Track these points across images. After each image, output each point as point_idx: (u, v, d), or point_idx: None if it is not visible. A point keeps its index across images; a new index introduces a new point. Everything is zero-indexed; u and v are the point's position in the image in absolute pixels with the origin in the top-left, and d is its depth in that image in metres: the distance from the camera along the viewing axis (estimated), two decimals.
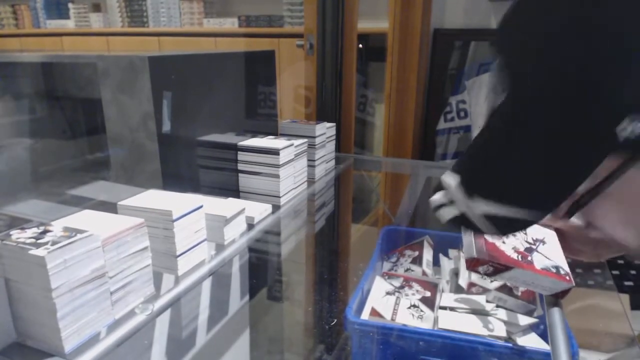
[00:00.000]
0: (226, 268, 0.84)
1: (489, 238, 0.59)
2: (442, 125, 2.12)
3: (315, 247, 1.26)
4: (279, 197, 1.09)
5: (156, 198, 0.77)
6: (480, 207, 0.38)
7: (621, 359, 0.75)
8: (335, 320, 0.90)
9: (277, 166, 1.07)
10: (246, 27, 2.98)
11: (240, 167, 1.10)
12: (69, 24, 3.56)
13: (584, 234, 0.48)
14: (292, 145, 1.11)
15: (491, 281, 0.94)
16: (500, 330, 0.83)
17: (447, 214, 0.42)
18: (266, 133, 1.21)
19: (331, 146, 1.42)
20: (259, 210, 0.99)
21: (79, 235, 0.57)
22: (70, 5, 3.54)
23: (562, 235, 0.54)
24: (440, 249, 1.12)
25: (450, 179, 0.40)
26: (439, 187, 0.41)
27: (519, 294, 0.91)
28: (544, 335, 0.82)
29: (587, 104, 0.32)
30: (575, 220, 0.48)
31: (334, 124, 1.41)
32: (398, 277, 1.01)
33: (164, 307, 0.69)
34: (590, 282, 1.02)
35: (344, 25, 1.67)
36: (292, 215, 1.11)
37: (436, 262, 1.10)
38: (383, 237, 1.15)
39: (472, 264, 0.59)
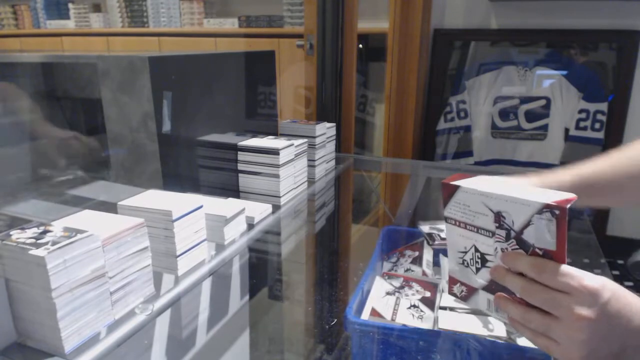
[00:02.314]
0: (226, 268, 0.84)
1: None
2: (442, 125, 2.12)
3: (315, 247, 1.26)
4: (279, 197, 1.09)
5: (156, 198, 0.77)
6: None
7: None
8: (335, 320, 0.90)
9: (277, 166, 1.07)
10: (246, 27, 2.98)
11: (240, 167, 1.10)
12: (69, 24, 3.56)
13: None
14: (292, 145, 1.11)
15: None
16: (500, 330, 0.83)
17: None
18: (266, 133, 1.21)
19: (331, 146, 1.42)
20: (259, 210, 0.99)
21: (79, 236, 0.57)
22: (70, 5, 3.54)
23: None
24: (441, 249, 1.12)
25: None
26: None
27: None
28: None
29: None
30: None
31: (334, 124, 1.41)
32: (398, 277, 1.01)
33: (164, 307, 0.69)
34: None
35: (344, 25, 1.67)
36: (292, 215, 1.11)
37: (436, 262, 1.10)
38: (383, 237, 1.14)
39: (450, 283, 0.60)
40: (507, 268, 0.51)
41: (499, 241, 0.51)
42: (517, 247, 0.49)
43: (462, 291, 0.59)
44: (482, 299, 0.56)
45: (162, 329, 0.69)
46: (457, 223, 0.55)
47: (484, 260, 0.54)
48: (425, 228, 1.12)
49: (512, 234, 0.49)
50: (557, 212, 0.46)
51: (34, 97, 1.12)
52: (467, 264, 0.56)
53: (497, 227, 0.51)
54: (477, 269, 0.55)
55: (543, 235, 0.47)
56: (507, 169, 2.05)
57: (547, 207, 0.46)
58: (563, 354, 0.48)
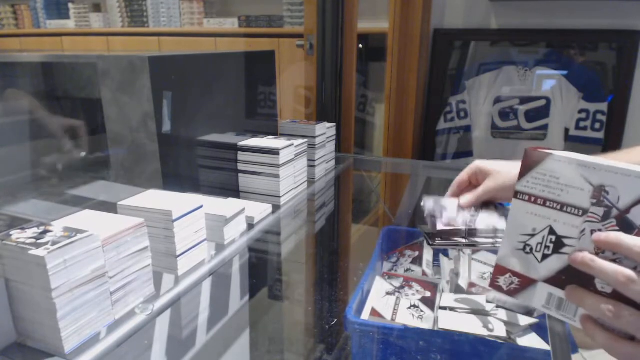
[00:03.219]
0: (226, 268, 0.84)
1: None
2: (442, 125, 2.12)
3: (315, 247, 1.26)
4: (279, 197, 1.09)
5: (156, 198, 0.77)
6: None
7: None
8: (335, 320, 0.90)
9: (277, 166, 1.07)
10: (246, 27, 2.98)
11: (240, 167, 1.10)
12: (69, 24, 3.56)
13: None
14: (292, 145, 1.11)
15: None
16: (500, 330, 0.83)
17: None
18: (266, 133, 1.21)
19: (331, 146, 1.42)
20: (259, 210, 0.99)
21: (79, 235, 0.57)
22: (70, 5, 3.54)
23: None
24: (440, 249, 1.12)
25: None
26: None
27: None
28: (544, 335, 0.82)
29: None
30: None
31: (334, 124, 1.41)
32: (398, 277, 1.01)
33: (164, 307, 0.69)
34: None
35: (344, 25, 1.67)
36: (292, 215, 1.11)
37: (436, 262, 1.10)
38: (383, 237, 1.14)
39: (495, 273, 0.51)
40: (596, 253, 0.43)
41: (592, 221, 0.44)
42: (616, 228, 0.43)
43: (511, 283, 0.50)
44: (541, 292, 0.48)
45: (162, 329, 0.69)
46: (532, 199, 0.48)
47: (558, 244, 0.47)
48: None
49: (614, 212, 0.43)
50: None
51: (34, 97, 1.12)
52: (531, 249, 0.49)
53: (593, 204, 0.44)
54: (544, 256, 0.48)
55: None
56: None
57: None
58: None
